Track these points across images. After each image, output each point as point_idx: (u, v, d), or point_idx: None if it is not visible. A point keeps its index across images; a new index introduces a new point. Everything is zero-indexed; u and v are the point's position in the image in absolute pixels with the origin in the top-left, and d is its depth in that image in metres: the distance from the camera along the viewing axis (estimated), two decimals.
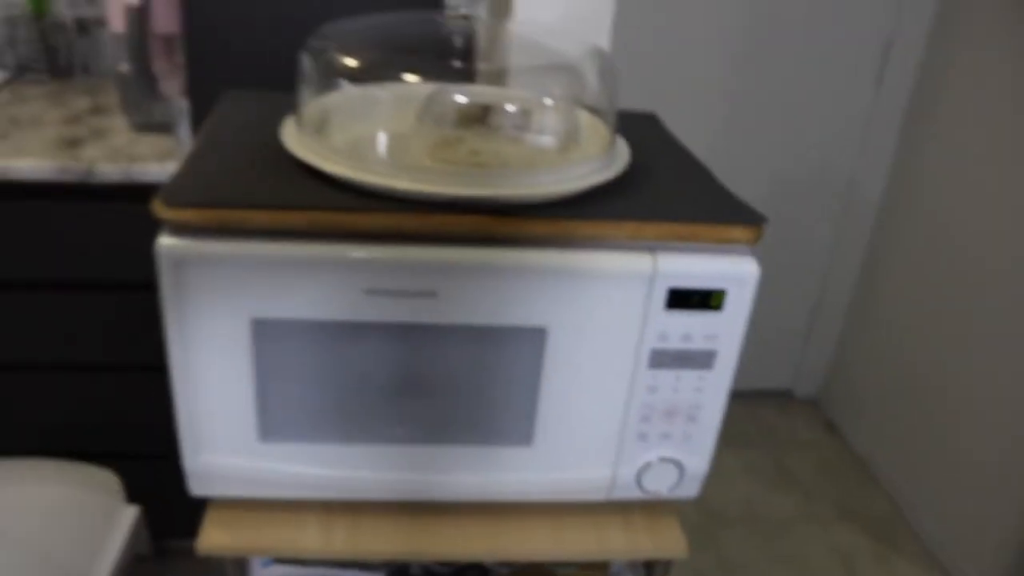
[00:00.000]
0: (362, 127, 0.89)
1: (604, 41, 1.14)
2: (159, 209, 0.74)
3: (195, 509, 1.55)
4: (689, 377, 0.85)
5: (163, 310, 0.77)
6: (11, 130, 1.54)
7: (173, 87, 1.53)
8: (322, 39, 0.90)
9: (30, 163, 1.39)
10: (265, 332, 0.78)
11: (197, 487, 0.86)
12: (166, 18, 1.48)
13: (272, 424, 0.82)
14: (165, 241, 0.74)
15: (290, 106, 0.93)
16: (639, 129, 1.03)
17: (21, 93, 1.77)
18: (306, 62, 0.88)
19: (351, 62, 0.90)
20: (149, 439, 1.64)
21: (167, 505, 1.48)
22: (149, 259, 1.51)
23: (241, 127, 0.93)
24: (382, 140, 0.88)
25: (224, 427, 0.82)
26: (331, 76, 0.90)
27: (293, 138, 0.85)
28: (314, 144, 0.83)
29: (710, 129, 2.28)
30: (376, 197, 0.77)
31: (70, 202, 1.43)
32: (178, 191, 0.76)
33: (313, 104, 0.88)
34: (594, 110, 0.94)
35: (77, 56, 1.91)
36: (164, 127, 1.55)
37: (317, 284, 0.76)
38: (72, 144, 1.48)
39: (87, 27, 1.91)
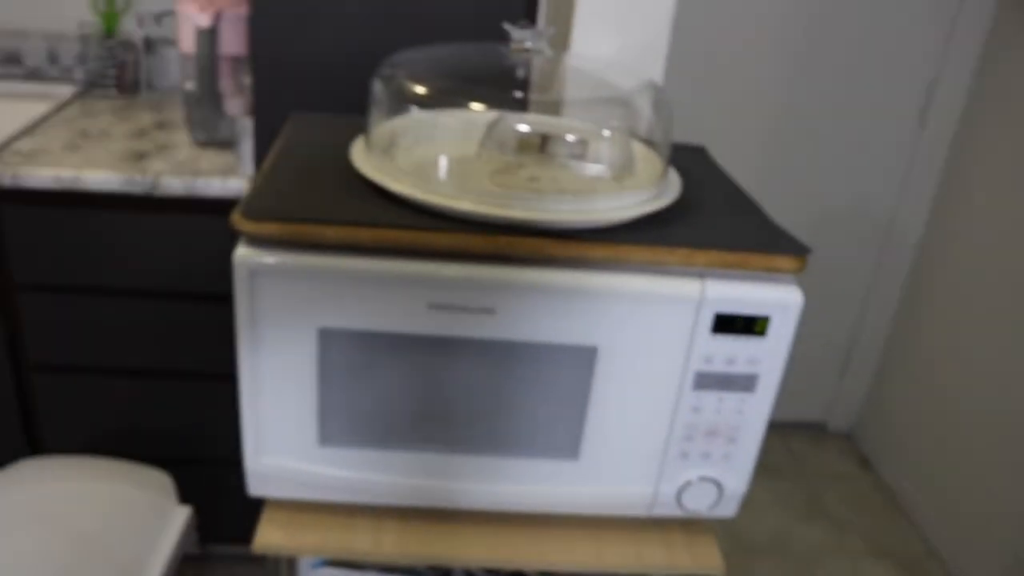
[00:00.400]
0: (428, 151, 0.93)
1: (658, 75, 1.18)
2: (239, 222, 0.78)
3: (237, 514, 1.60)
4: (731, 399, 0.88)
5: (236, 317, 0.81)
6: (81, 142, 1.61)
7: (236, 106, 1.59)
8: (392, 67, 0.95)
9: (99, 175, 1.46)
10: (331, 341, 0.82)
11: (256, 487, 0.90)
12: (233, 41, 1.54)
13: (332, 429, 0.86)
14: (243, 252, 0.79)
15: (355, 128, 0.98)
16: (689, 161, 1.07)
17: (90, 107, 1.85)
18: (377, 88, 0.93)
19: (419, 89, 0.94)
20: (197, 445, 1.70)
21: (210, 510, 1.53)
22: (210, 270, 1.57)
23: (311, 147, 0.98)
24: (447, 164, 0.92)
25: (286, 430, 0.86)
26: (400, 102, 0.94)
27: (362, 159, 0.89)
28: (382, 165, 0.87)
29: (754, 162, 2.31)
30: (440, 217, 0.81)
31: (135, 212, 1.50)
32: (256, 205, 0.80)
33: (381, 127, 0.93)
34: (648, 141, 0.98)
35: (143, 73, 1.99)
36: (226, 144, 1.61)
37: (383, 298, 0.80)
38: (138, 157, 1.55)
39: (153, 46, 1.98)
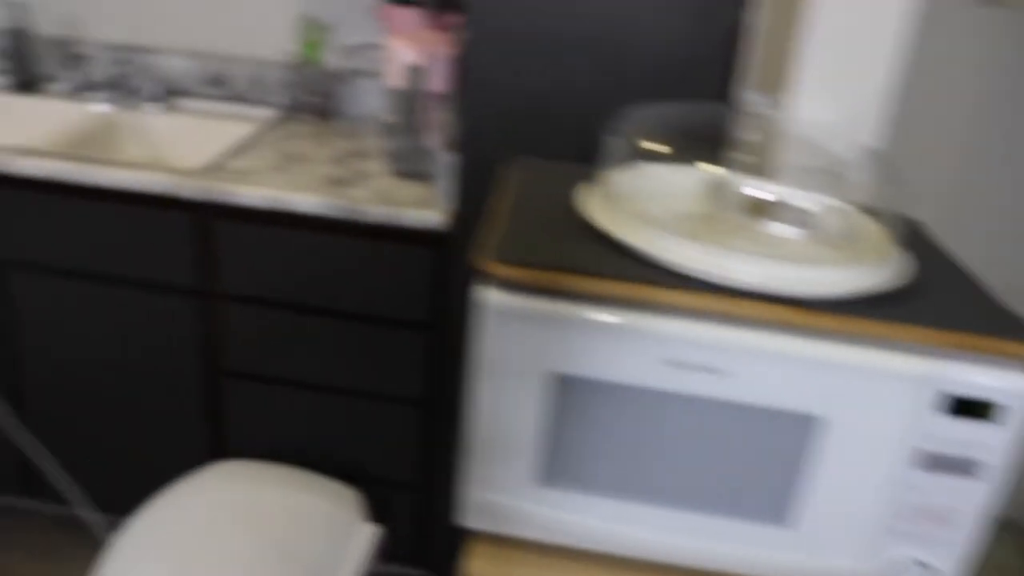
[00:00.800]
0: (655, 205, 0.98)
1: (882, 144, 1.19)
2: (488, 264, 0.85)
3: (401, 535, 1.66)
4: (953, 483, 0.88)
5: (473, 352, 0.88)
6: (287, 165, 1.73)
7: (435, 140, 1.68)
8: (622, 121, 1.00)
9: (308, 197, 1.57)
10: (562, 386, 0.87)
11: (470, 519, 0.95)
12: (439, 78, 1.64)
13: (553, 471, 0.91)
14: (488, 293, 0.85)
15: (577, 176, 1.03)
16: (908, 235, 1.08)
17: (291, 131, 1.98)
18: (607, 141, 0.99)
19: (648, 145, 0.99)
20: (368, 464, 1.78)
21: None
22: (403, 296, 1.65)
23: (540, 194, 1.04)
24: (676, 220, 0.97)
25: (508, 467, 0.92)
26: (629, 156, 1.00)
27: (595, 210, 0.95)
28: (614, 217, 0.92)
29: (948, 237, 2.26)
30: (671, 273, 0.86)
31: (335, 235, 1.60)
32: (505, 250, 0.86)
33: (611, 179, 0.98)
34: (873, 212, 1.00)
35: (338, 101, 2.12)
36: (422, 176, 1.70)
37: (617, 349, 0.85)
38: (339, 183, 1.65)
39: (348, 75, 2.11)
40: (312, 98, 2.07)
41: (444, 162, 1.58)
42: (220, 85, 2.16)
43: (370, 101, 2.11)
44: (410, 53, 1.62)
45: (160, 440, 1.86)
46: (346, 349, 1.68)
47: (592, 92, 1.42)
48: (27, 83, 2.15)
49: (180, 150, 2.06)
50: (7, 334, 1.83)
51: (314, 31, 2.06)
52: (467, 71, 1.45)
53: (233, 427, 1.80)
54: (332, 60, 2.10)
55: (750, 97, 1.01)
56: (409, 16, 1.89)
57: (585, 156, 1.37)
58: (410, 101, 1.65)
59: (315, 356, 1.70)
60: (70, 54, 2.19)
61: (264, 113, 2.09)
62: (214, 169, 1.67)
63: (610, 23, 1.38)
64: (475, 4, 1.40)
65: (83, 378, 1.84)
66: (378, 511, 1.69)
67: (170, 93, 2.15)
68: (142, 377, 1.80)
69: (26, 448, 1.94)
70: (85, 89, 2.15)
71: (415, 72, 1.62)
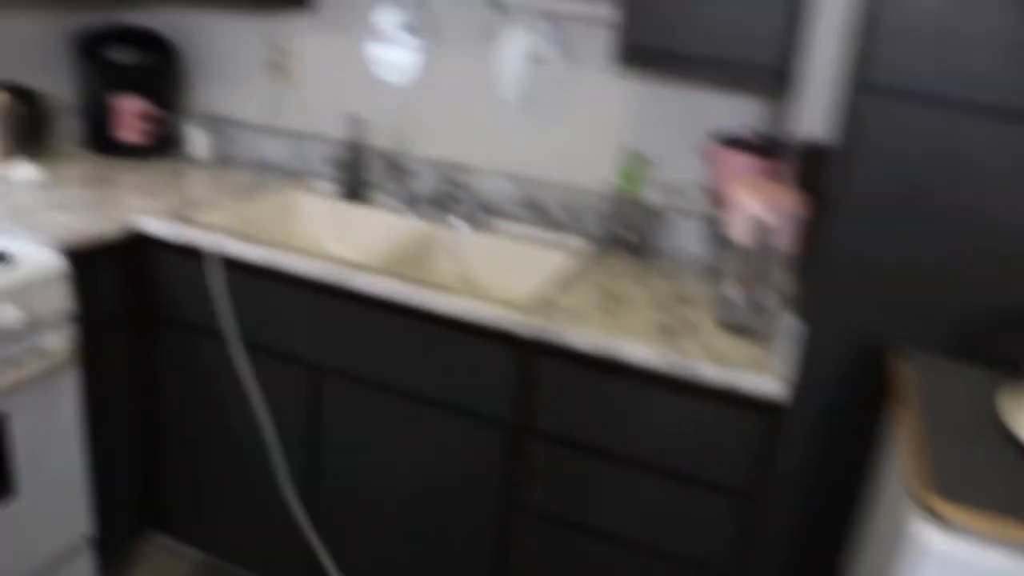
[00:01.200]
0: None
1: None
2: (934, 502, 0.79)
3: None
4: None
5: None
6: (612, 306, 1.75)
7: (772, 299, 1.65)
8: None
9: (637, 348, 1.57)
10: None
11: None
12: (786, 237, 1.61)
13: None
14: (931, 535, 0.79)
15: (989, 381, 0.96)
16: None
17: (608, 266, 2.02)
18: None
19: None
20: None
21: None
22: (720, 460, 1.59)
23: (953, 402, 0.98)
24: None
25: None
26: None
27: None
28: None
29: None
30: None
31: (652, 385, 1.59)
32: (941, 480, 0.81)
33: None
34: None
35: (654, 237, 2.13)
36: (754, 334, 1.67)
37: None
38: (667, 332, 1.65)
39: (668, 213, 2.13)
40: (628, 233, 2.10)
41: (784, 325, 1.54)
42: (534, 209, 2.25)
43: (687, 241, 2.12)
44: (756, 206, 1.61)
45: (443, 566, 1.89)
46: (654, 504, 1.66)
47: (961, 269, 1.34)
48: (356, 192, 2.33)
49: (492, 272, 2.15)
50: (313, 436, 1.95)
51: (636, 164, 2.10)
52: (821, 232, 1.42)
53: (519, 568, 1.80)
54: (651, 195, 2.13)
55: None
56: (742, 160, 1.89)
57: (966, 346, 1.28)
58: (750, 255, 1.63)
59: (620, 506, 1.68)
60: (397, 167, 2.36)
61: (576, 242, 2.14)
62: (543, 306, 1.72)
63: (993, 195, 1.30)
64: (839, 163, 1.37)
65: (377, 490, 1.92)
66: None
67: (485, 211, 2.26)
68: (437, 500, 1.86)
69: (314, 547, 2.03)
70: (407, 202, 2.30)
71: (760, 227, 1.60)
